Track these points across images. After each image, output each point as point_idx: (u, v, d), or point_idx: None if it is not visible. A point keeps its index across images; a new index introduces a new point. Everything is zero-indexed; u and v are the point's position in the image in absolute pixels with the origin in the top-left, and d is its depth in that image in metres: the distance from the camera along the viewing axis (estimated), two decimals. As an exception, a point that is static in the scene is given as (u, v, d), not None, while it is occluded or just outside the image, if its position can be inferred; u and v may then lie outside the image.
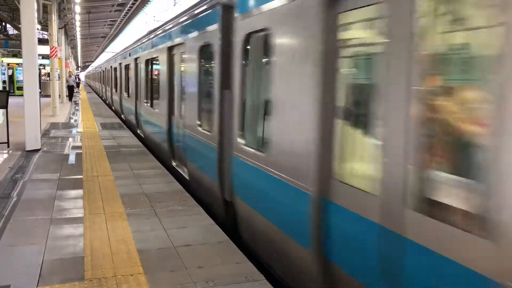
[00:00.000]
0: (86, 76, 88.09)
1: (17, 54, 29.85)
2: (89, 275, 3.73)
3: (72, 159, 8.84)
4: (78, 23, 32.67)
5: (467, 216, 2.26)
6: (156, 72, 10.62)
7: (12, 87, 30.22)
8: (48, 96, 20.59)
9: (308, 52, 3.45)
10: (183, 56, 7.69)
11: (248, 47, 4.86)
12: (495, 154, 2.06)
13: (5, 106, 9.87)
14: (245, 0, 4.81)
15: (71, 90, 29.59)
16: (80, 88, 44.54)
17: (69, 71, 32.29)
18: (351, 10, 3.09)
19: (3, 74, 31.43)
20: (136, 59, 13.19)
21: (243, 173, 4.89)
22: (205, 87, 6.49)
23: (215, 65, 5.71)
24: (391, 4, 2.65)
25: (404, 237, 2.54)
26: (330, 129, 3.28)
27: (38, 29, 11.47)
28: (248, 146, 4.76)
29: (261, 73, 4.69)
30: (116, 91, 19.94)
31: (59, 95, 21.39)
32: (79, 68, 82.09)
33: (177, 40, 7.99)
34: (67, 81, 28.92)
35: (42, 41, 24.28)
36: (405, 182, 2.54)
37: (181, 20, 7.88)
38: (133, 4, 29.65)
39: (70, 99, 28.88)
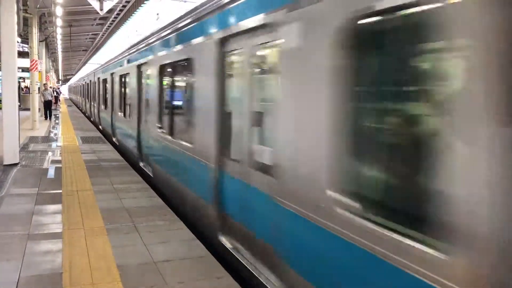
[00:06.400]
0: (68, 90, 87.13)
1: (-4, 67, 29.27)
2: (67, 291, 3.67)
3: (51, 173, 8.72)
4: (59, 36, 32.46)
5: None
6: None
7: (-10, 100, 29.63)
8: (28, 109, 20.24)
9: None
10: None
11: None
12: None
13: (-18, 119, 9.70)
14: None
15: (48, 106, 23.59)
16: (60, 102, 43.74)
17: (44, 83, 24.94)
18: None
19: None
20: (112, 74, 14.65)
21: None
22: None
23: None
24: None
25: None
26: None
27: (18, 41, 11.37)
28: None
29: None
30: (94, 103, 21.28)
31: (39, 109, 20.95)
32: (60, 81, 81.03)
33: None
34: (42, 95, 22.99)
35: (22, 54, 23.96)
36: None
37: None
38: (115, 18, 29.65)
39: (48, 118, 23.21)
